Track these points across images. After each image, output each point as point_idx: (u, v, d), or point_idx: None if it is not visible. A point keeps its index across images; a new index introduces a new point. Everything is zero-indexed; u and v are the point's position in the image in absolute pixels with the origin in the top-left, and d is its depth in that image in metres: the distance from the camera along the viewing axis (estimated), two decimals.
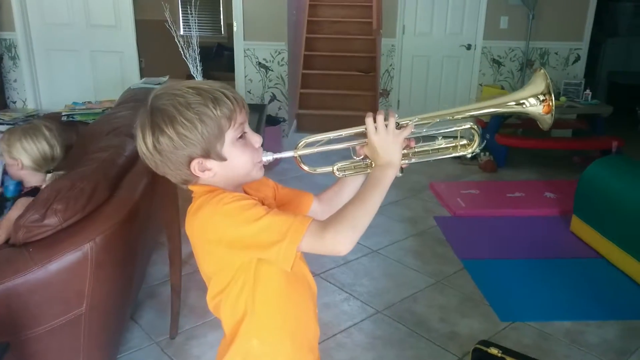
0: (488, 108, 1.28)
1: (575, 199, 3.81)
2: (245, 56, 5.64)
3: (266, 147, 1.23)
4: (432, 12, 6.11)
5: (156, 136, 1.10)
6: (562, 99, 5.54)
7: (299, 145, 1.25)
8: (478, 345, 2.11)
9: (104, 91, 5.46)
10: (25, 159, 2.26)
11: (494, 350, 2.06)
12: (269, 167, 1.29)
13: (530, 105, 1.20)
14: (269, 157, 1.21)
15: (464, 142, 1.26)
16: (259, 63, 5.65)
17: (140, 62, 5.78)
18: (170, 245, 2.57)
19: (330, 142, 1.26)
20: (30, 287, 1.81)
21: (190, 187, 1.19)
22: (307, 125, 6.57)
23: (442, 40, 6.20)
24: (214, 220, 1.11)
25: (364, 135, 1.20)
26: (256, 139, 1.18)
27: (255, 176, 1.20)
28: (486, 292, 3.11)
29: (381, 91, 6.42)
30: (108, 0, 5.47)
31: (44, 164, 2.29)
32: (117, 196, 2.15)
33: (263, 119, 4.92)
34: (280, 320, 1.22)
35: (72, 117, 4.19)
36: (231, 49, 5.93)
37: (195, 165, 1.13)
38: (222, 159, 1.13)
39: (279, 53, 5.59)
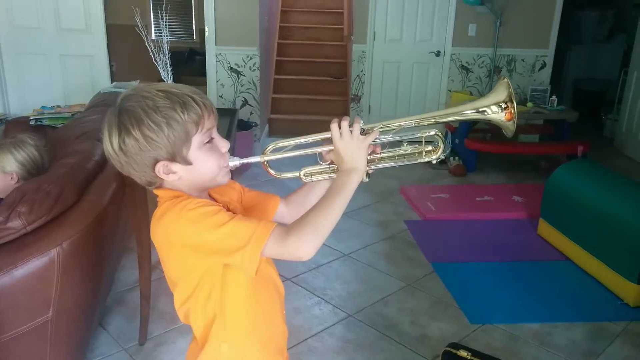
0: (452, 115, 1.30)
1: (543, 203, 3.88)
2: (217, 61, 5.62)
3: (238, 151, 1.23)
4: (402, 19, 6.17)
5: (122, 137, 1.10)
6: (529, 104, 5.65)
7: (267, 150, 1.25)
8: (448, 348, 2.14)
9: (74, 95, 5.37)
10: (19, 170, 2.26)
11: (463, 353, 2.09)
12: (240, 171, 1.29)
13: (493, 113, 1.23)
14: (235, 162, 1.21)
15: (429, 148, 1.27)
16: (231, 68, 5.63)
17: (111, 66, 5.71)
18: (140, 250, 2.54)
19: (298, 147, 1.27)
20: None
21: (155, 191, 1.19)
22: (279, 130, 6.57)
23: (412, 47, 6.26)
24: (177, 226, 1.10)
25: (330, 140, 1.21)
26: (223, 144, 1.18)
27: (220, 181, 1.20)
28: (456, 295, 3.15)
29: (352, 96, 6.46)
30: (78, 4, 5.38)
31: (35, 173, 2.28)
32: (85, 200, 2.13)
33: (234, 124, 4.89)
34: (249, 324, 1.22)
35: (41, 121, 4.13)
36: (203, 54, 5.90)
37: (160, 167, 1.13)
38: (187, 162, 1.13)
39: (251, 58, 5.58)
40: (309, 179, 1.29)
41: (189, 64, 8.35)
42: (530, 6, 6.05)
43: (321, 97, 6.95)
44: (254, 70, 5.63)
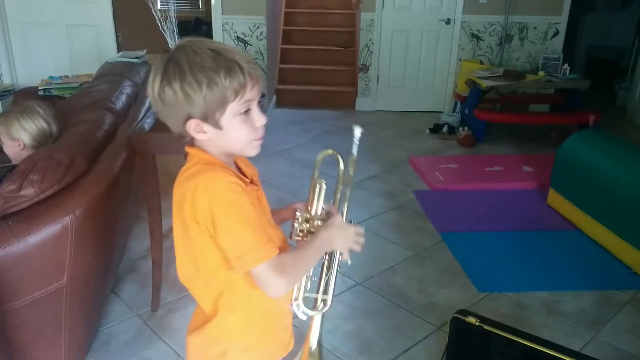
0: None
1: (553, 173, 3.87)
2: (223, 30, 5.57)
3: None
4: None
5: (163, 85, 1.10)
6: (541, 73, 5.59)
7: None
8: (456, 315, 2.14)
9: (80, 65, 5.36)
10: (26, 137, 2.26)
11: (471, 319, 2.09)
12: None
13: None
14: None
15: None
16: (238, 37, 5.59)
17: (117, 36, 5.68)
18: (151, 219, 2.56)
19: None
20: (10, 260, 1.81)
21: (187, 149, 1.20)
22: (287, 101, 6.55)
23: (421, 15, 6.18)
24: (201, 197, 1.10)
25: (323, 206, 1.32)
26: (259, 119, 1.16)
27: (248, 153, 1.20)
28: (464, 264, 3.17)
29: (360, 66, 6.40)
30: None
31: (44, 141, 2.28)
32: (96, 169, 2.14)
33: None
34: (255, 298, 1.22)
35: (49, 92, 4.13)
36: (209, 23, 5.85)
37: (191, 124, 1.13)
38: (218, 127, 1.13)
39: (258, 27, 5.53)
40: (315, 189, 1.33)
41: (195, 34, 8.24)
42: None
43: (329, 67, 6.89)
44: (260, 39, 5.58)
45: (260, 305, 1.24)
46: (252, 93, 1.13)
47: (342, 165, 1.33)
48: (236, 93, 1.10)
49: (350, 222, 1.29)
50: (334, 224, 1.25)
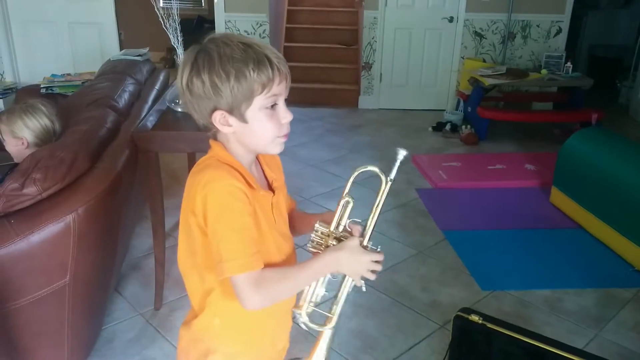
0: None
1: (555, 171, 3.86)
2: (226, 28, 5.57)
3: None
4: None
5: (191, 76, 1.10)
6: (543, 71, 5.57)
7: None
8: (459, 313, 2.14)
9: (83, 63, 5.37)
10: (29, 136, 2.26)
11: (474, 317, 2.09)
12: None
13: None
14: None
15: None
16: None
17: (119, 34, 5.68)
18: (154, 217, 2.56)
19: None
20: (12, 259, 1.81)
21: (210, 141, 1.19)
22: (289, 98, 6.49)
23: (424, 13, 6.17)
24: (198, 190, 1.09)
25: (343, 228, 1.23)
26: (285, 115, 1.15)
27: (271, 150, 1.19)
28: (467, 262, 3.16)
29: (363, 64, 6.39)
30: None
31: (47, 139, 2.28)
32: (99, 167, 2.14)
33: None
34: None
35: (52, 90, 4.13)
36: (212, 22, 5.86)
37: (217, 116, 1.12)
38: (243, 120, 1.12)
39: (260, 25, 5.54)
40: (340, 206, 1.25)
41: (198, 32, 8.27)
42: None
43: (332, 65, 6.87)
44: (263, 37, 5.59)
45: (251, 314, 1.17)
46: (279, 88, 1.12)
47: (383, 186, 1.23)
48: (263, 86, 1.09)
49: (368, 247, 1.20)
50: (345, 248, 1.17)
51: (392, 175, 1.21)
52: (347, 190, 1.24)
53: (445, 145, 5.29)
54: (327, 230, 1.22)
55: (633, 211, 3.11)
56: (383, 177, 1.21)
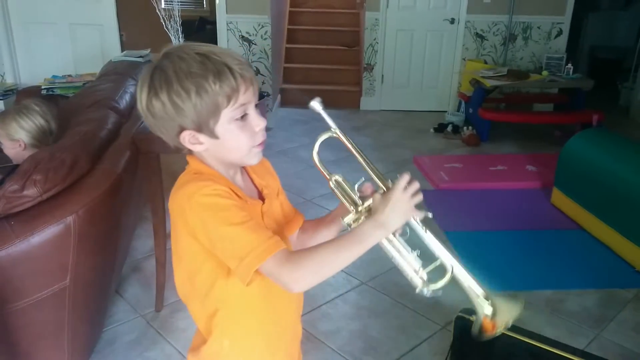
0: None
1: (556, 172, 3.85)
2: (228, 30, 5.57)
3: None
4: None
5: (150, 98, 1.03)
6: (544, 73, 5.58)
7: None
8: (461, 314, 2.14)
9: (84, 65, 5.37)
10: (25, 137, 2.25)
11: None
12: None
13: (481, 306, 1.12)
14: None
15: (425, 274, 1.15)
16: (242, 37, 5.59)
17: (121, 35, 5.68)
18: (154, 218, 2.56)
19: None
20: (12, 261, 1.80)
21: (188, 158, 1.13)
22: (291, 100, 6.54)
23: (425, 14, 6.17)
24: (183, 202, 1.04)
25: (382, 183, 1.10)
26: (257, 122, 1.08)
27: (248, 161, 1.12)
28: (469, 263, 3.14)
29: (365, 65, 6.40)
30: None
31: (43, 139, 2.27)
32: (99, 169, 2.14)
33: None
34: (255, 322, 1.16)
35: (52, 91, 4.13)
36: (214, 23, 5.85)
37: (186, 136, 1.06)
38: (213, 136, 1.05)
39: (262, 26, 5.53)
40: (336, 190, 1.14)
41: (199, 33, 8.28)
42: None
43: (333, 67, 6.88)
44: (265, 39, 5.58)
45: (261, 332, 1.14)
46: (246, 96, 1.05)
47: (344, 139, 1.12)
48: (229, 98, 1.02)
49: (386, 189, 1.07)
50: (379, 207, 1.05)
51: (331, 124, 1.11)
52: (325, 173, 1.14)
53: (447, 147, 5.29)
54: (354, 215, 1.12)
55: (634, 212, 3.10)
56: (332, 132, 1.12)
